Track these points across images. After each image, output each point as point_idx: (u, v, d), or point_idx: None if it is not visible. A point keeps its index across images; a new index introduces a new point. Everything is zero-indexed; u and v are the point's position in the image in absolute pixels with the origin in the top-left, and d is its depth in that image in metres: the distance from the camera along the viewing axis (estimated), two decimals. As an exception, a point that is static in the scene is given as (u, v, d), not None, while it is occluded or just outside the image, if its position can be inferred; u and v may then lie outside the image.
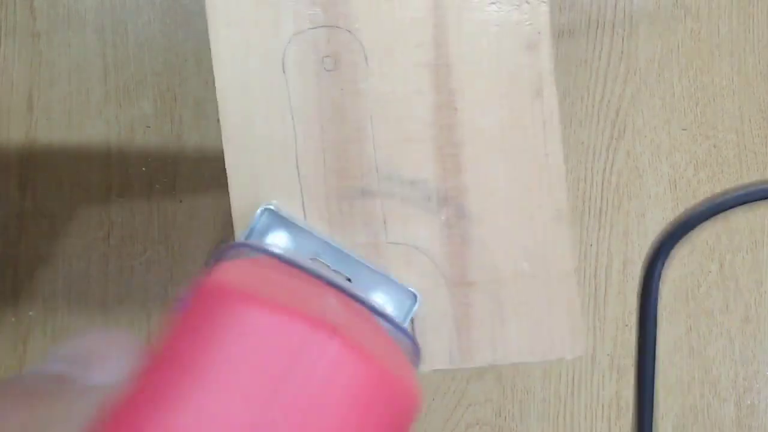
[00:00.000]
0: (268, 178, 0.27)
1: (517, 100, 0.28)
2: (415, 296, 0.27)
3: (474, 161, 0.28)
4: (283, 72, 0.27)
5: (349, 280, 0.27)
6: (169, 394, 0.15)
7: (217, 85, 0.27)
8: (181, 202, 0.66)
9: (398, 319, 0.27)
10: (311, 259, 0.27)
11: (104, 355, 0.15)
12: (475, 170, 0.28)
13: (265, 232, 0.27)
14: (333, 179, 0.27)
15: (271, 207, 0.27)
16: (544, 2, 0.27)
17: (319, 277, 0.22)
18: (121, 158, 0.66)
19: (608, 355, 0.70)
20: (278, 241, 0.27)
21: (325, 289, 0.21)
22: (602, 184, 0.70)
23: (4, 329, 0.65)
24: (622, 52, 0.70)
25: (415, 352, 0.23)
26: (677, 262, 0.71)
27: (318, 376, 0.15)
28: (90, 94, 0.65)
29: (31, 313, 0.66)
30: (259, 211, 0.27)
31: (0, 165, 0.65)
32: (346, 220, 0.27)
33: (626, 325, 0.70)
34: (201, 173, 0.67)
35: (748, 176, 0.71)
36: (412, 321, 0.28)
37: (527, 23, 0.27)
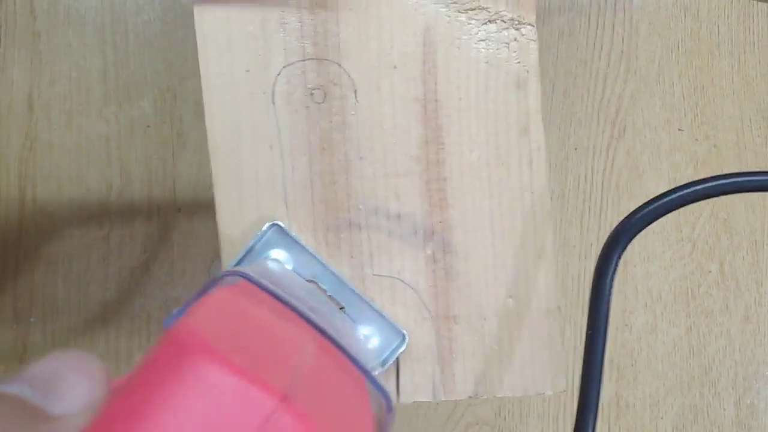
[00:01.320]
0: (256, 207, 0.27)
1: (504, 138, 0.28)
2: (404, 336, 0.27)
3: (460, 196, 0.28)
4: (273, 103, 0.27)
5: (342, 308, 0.27)
6: None
7: (206, 114, 0.27)
8: (179, 211, 0.66)
9: (383, 355, 0.27)
10: (309, 280, 0.27)
11: (67, 381, 0.15)
12: (461, 205, 0.28)
13: (267, 248, 0.27)
14: (320, 210, 0.27)
15: (279, 224, 0.27)
16: (533, 40, 0.27)
17: (302, 317, 0.21)
18: (121, 158, 0.66)
19: (607, 355, 0.70)
20: (278, 258, 0.27)
21: (304, 331, 0.21)
22: (602, 183, 0.70)
23: (4, 330, 0.65)
24: (622, 52, 0.70)
25: (387, 407, 0.23)
26: (677, 263, 0.71)
27: None
28: (90, 94, 0.65)
29: (31, 314, 0.66)
30: (266, 225, 0.27)
31: (0, 165, 0.65)
32: (332, 251, 0.27)
33: (626, 325, 0.70)
34: (201, 173, 0.67)
35: (748, 176, 0.71)
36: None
37: (516, 61, 0.27)
